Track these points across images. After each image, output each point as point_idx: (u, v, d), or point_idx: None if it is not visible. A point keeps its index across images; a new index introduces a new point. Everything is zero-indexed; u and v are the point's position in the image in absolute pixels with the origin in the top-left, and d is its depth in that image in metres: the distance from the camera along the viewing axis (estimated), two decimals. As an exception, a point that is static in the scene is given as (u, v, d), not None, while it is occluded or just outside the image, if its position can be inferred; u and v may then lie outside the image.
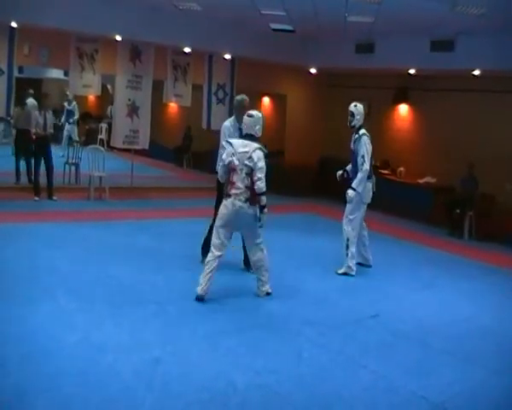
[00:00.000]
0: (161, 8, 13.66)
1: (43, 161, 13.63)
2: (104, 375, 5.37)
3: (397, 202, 15.53)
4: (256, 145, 7.74)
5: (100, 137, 24.43)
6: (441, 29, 12.99)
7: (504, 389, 6.07)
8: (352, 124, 10.02)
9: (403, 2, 11.09)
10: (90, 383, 5.21)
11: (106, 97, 23.34)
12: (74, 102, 21.04)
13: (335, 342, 6.74)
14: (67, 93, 19.50)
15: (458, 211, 13.72)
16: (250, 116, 7.94)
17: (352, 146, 10.10)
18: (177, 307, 7.37)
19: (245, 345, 6.38)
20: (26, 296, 7.22)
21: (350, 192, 9.67)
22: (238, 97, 9.26)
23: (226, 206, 7.75)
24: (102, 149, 15.89)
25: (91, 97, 25.78)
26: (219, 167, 8.14)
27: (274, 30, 15.10)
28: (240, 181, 7.69)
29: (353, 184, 9.70)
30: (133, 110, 15.57)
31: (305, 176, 17.70)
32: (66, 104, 20.95)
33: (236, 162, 7.68)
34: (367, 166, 9.70)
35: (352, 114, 10.00)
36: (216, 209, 8.42)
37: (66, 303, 7.17)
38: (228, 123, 9.10)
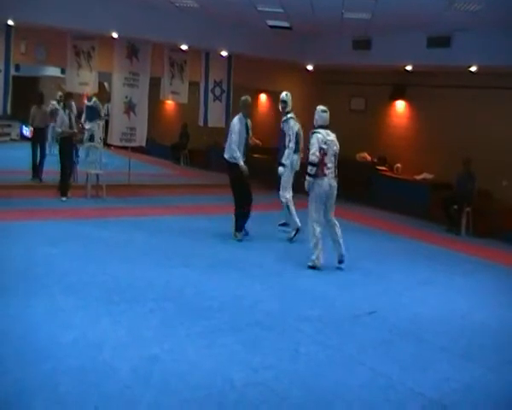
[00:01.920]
0: (158, 6, 13.66)
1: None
2: (101, 372, 5.37)
3: (394, 198, 15.56)
4: (334, 134, 9.80)
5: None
6: (438, 25, 12.99)
7: (501, 385, 6.07)
8: (286, 110, 11.55)
9: (399, -1, 11.12)
10: (88, 380, 5.20)
11: (103, 95, 23.31)
12: (94, 98, 18.88)
13: (333, 339, 6.74)
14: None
15: (456, 207, 13.72)
16: (325, 112, 9.87)
17: (282, 127, 11.60)
18: (174, 305, 7.37)
19: (242, 342, 6.38)
20: (23, 294, 7.22)
21: (280, 169, 11.41)
22: (243, 98, 11.19)
23: (322, 185, 9.51)
24: (99, 146, 15.86)
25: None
26: (231, 149, 10.78)
27: (271, 27, 15.11)
28: (330, 162, 9.60)
29: (282, 160, 11.37)
30: (130, 107, 15.58)
31: (302, 173, 17.67)
32: (85, 101, 19.54)
33: (325, 147, 9.51)
34: (292, 143, 11.35)
35: (285, 102, 11.56)
36: (233, 188, 11.04)
37: (63, 301, 7.16)
38: (237, 120, 10.93)
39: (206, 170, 20.57)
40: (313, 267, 9.49)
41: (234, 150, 10.78)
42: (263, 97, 20.73)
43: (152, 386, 5.21)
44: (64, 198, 13.31)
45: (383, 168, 16.80)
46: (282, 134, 11.56)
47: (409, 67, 15.05)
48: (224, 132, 18.34)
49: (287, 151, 11.36)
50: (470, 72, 13.80)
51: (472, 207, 13.64)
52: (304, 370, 5.87)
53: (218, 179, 17.30)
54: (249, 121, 11.16)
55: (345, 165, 17.14)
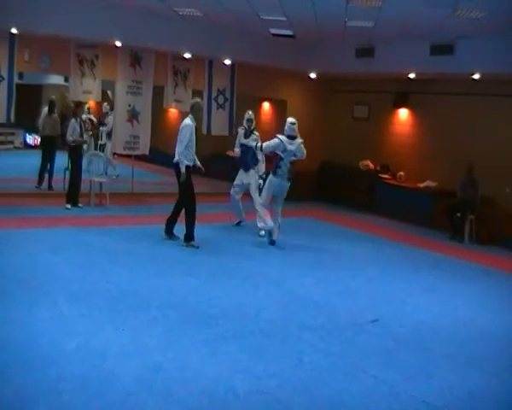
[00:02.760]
0: (161, 14, 13.68)
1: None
2: (105, 380, 5.37)
3: (397, 206, 15.56)
4: (299, 140, 11.40)
5: (100, 142, 24.35)
6: (441, 33, 12.99)
7: (505, 393, 6.07)
8: (252, 128, 12.79)
9: (402, 7, 11.10)
10: (91, 388, 5.21)
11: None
12: (110, 115, 18.21)
13: (336, 347, 6.75)
14: (104, 104, 18.41)
15: (459, 215, 13.70)
16: (294, 124, 11.36)
17: (245, 142, 12.72)
18: (177, 313, 7.38)
19: (245, 350, 6.38)
20: (26, 301, 7.24)
21: (261, 181, 12.46)
22: (194, 101, 11.69)
23: (275, 182, 11.44)
24: (102, 154, 15.88)
25: (92, 103, 25.82)
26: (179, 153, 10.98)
27: (274, 35, 15.13)
28: (284, 166, 11.30)
29: (261, 174, 12.64)
30: (133, 116, 15.59)
31: (306, 181, 17.69)
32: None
33: (281, 153, 11.24)
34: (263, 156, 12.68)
35: (252, 120, 12.87)
36: (184, 193, 11.35)
37: (66, 308, 7.17)
38: (190, 122, 11.10)
39: (209, 178, 20.51)
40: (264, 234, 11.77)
41: (181, 153, 10.91)
42: (266, 106, 20.71)
43: (155, 394, 5.22)
44: (68, 206, 13.34)
45: (386, 176, 16.78)
46: (245, 148, 12.74)
47: (412, 75, 15.03)
48: (227, 141, 18.43)
49: (262, 165, 12.72)
50: (473, 79, 13.79)
51: (475, 214, 13.62)
52: (307, 378, 5.87)
53: (220, 188, 17.31)
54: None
55: (348, 173, 17.40)
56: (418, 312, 8.35)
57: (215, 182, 19.16)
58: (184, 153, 10.90)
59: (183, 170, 10.90)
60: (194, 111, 11.20)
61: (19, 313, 6.86)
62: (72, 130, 13.40)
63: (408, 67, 14.66)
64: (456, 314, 8.39)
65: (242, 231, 12.55)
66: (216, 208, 14.84)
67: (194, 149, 11.21)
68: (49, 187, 15.48)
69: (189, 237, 10.95)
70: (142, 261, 9.66)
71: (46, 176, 15.56)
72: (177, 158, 10.99)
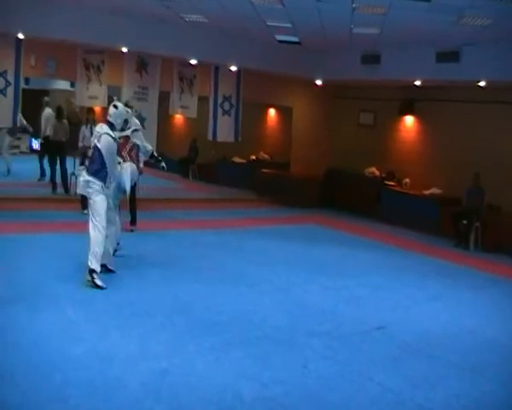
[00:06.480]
0: (168, 20, 13.72)
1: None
2: (111, 386, 5.37)
3: (403, 213, 15.55)
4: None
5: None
6: (446, 40, 13.00)
7: (511, 401, 6.05)
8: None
9: (408, 14, 11.11)
10: (98, 394, 5.21)
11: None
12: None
13: (342, 355, 6.72)
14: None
15: (465, 222, 13.67)
16: (116, 107, 9.25)
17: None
18: (183, 319, 7.37)
19: (251, 357, 6.37)
20: (33, 307, 7.24)
21: None
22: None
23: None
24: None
25: (97, 109, 25.86)
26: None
27: (280, 42, 15.16)
28: None
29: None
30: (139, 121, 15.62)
31: (311, 187, 17.70)
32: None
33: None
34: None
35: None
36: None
37: (73, 314, 7.18)
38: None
39: (215, 184, 20.56)
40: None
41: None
42: (272, 112, 20.75)
43: (161, 400, 5.21)
44: (86, 211, 13.41)
45: (392, 183, 16.78)
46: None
47: (418, 82, 15.06)
48: (232, 147, 18.48)
49: None
50: (479, 86, 13.80)
51: (481, 221, 13.60)
52: (313, 385, 5.86)
53: (226, 194, 17.34)
54: None
55: (353, 179, 17.38)
56: (424, 319, 8.32)
57: (221, 188, 19.20)
58: None
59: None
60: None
61: (25, 318, 6.86)
62: (82, 137, 13.48)
63: (414, 74, 14.67)
64: (462, 322, 8.37)
65: (247, 237, 12.54)
66: (221, 214, 14.87)
67: None
68: (53, 190, 15.57)
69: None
70: (148, 267, 9.65)
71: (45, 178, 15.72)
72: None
